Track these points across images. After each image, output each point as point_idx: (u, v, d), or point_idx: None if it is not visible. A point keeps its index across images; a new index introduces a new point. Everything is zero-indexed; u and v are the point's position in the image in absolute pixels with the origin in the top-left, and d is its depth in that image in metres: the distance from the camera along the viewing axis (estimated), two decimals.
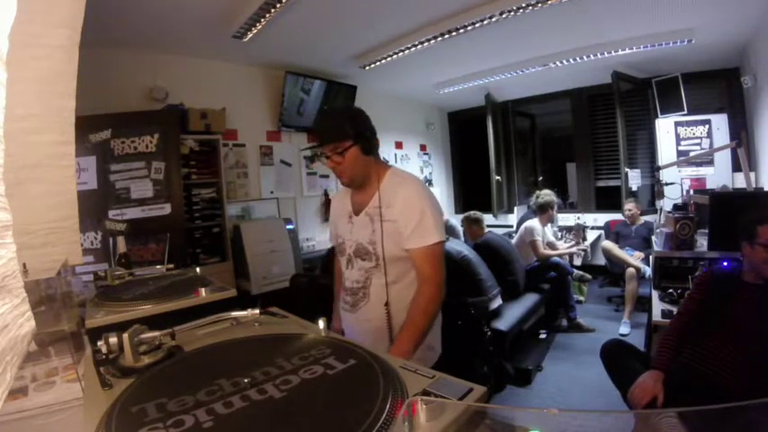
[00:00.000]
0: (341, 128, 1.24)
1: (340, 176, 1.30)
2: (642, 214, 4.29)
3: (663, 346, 1.63)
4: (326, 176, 4.81)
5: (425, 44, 3.57)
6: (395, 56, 3.84)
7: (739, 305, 1.56)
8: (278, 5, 2.74)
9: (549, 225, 4.04)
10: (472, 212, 3.64)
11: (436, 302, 1.21)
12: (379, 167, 1.33)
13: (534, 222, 3.84)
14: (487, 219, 3.84)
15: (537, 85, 5.20)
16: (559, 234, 4.47)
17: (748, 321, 1.50)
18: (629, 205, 4.21)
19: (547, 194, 3.92)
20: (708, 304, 1.64)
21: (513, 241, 3.95)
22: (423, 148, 6.24)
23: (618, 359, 1.78)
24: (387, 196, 1.27)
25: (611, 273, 4.25)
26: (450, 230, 3.75)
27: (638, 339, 2.96)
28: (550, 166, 7.50)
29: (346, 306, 1.37)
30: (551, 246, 3.93)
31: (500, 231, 4.63)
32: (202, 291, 1.30)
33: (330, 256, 3.02)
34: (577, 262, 4.24)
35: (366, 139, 1.26)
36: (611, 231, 4.47)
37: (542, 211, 3.89)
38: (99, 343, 0.80)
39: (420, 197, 1.25)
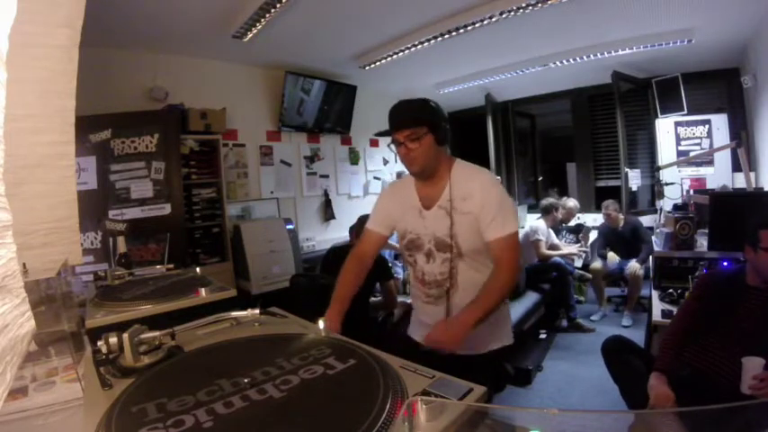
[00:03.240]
0: (419, 115, 1.26)
1: (411, 164, 1.29)
2: (642, 214, 4.26)
3: (664, 347, 1.63)
4: (326, 176, 4.82)
5: (425, 44, 3.56)
6: (395, 56, 3.84)
7: (743, 308, 1.55)
8: (278, 5, 2.74)
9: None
10: None
11: (508, 288, 1.24)
12: (447, 160, 1.34)
13: (539, 223, 3.91)
14: None
15: (537, 85, 5.19)
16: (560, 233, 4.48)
17: (751, 324, 1.50)
18: (611, 208, 3.91)
19: (569, 200, 4.23)
20: (710, 305, 1.64)
21: None
22: None
23: (618, 355, 1.78)
24: (459, 188, 1.28)
25: (611, 273, 4.24)
26: None
27: (638, 339, 2.96)
28: (550, 166, 7.50)
29: (430, 299, 1.37)
30: (554, 248, 3.96)
31: None
32: (202, 291, 1.30)
33: (330, 255, 3.02)
34: (578, 263, 4.24)
35: (442, 130, 1.28)
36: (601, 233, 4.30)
37: (546, 212, 4.00)
38: (99, 343, 0.80)
39: (496, 187, 1.28)
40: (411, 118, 1.26)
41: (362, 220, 2.80)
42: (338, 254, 2.94)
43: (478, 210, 1.24)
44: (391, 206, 1.43)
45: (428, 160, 1.27)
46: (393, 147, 1.32)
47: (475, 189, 1.26)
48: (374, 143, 5.33)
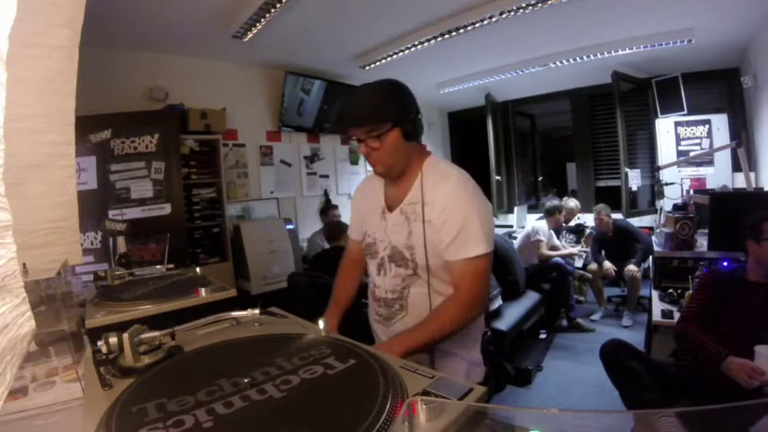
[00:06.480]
0: (380, 107, 1.01)
1: (374, 165, 1.08)
2: (642, 214, 4.25)
3: (701, 340, 1.57)
4: (326, 176, 4.82)
5: (425, 44, 3.57)
6: (395, 56, 3.84)
7: (745, 304, 1.56)
8: (278, 5, 2.74)
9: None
10: None
11: (458, 323, 1.01)
12: (419, 154, 1.11)
13: (542, 223, 3.93)
14: None
15: (537, 85, 5.20)
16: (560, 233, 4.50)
17: (754, 320, 1.51)
18: (603, 213, 3.85)
19: (569, 200, 4.30)
20: (711, 305, 1.64)
21: (518, 240, 3.99)
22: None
23: (617, 359, 1.78)
24: (426, 191, 1.06)
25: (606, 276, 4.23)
26: None
27: (638, 339, 2.96)
28: (550, 166, 7.51)
29: (379, 318, 1.18)
30: (555, 249, 3.97)
31: (500, 231, 4.63)
32: (202, 291, 1.30)
33: (312, 261, 3.04)
34: (578, 263, 4.25)
35: (410, 122, 1.03)
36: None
37: (550, 214, 4.03)
38: (99, 343, 0.79)
39: (466, 196, 1.03)
40: (370, 112, 1.01)
41: (328, 225, 2.80)
42: (319, 259, 2.95)
43: (439, 221, 1.02)
44: (360, 206, 1.27)
45: (394, 160, 1.06)
46: (356, 143, 1.08)
47: (439, 195, 1.04)
48: None
